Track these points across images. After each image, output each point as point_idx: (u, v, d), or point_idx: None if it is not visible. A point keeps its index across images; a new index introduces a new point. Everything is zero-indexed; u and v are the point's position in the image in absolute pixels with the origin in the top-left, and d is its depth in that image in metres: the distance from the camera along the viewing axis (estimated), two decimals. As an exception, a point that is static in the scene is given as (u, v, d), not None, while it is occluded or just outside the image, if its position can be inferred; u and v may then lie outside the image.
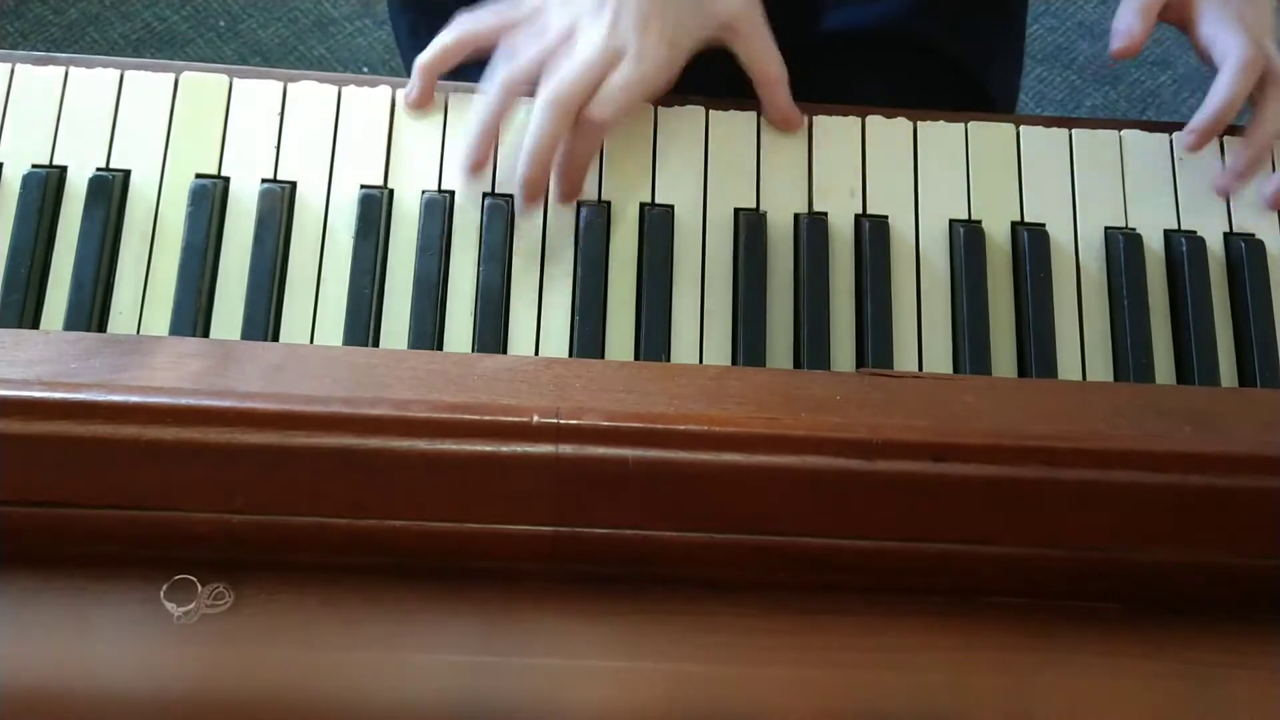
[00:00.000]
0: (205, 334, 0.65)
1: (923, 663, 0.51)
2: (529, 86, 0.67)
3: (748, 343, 0.66)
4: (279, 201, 0.67)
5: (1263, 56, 0.71)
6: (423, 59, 0.70)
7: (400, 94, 0.70)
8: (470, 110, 0.68)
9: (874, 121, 0.71)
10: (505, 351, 0.66)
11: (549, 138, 0.66)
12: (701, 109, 0.71)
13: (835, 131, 0.71)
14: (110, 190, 0.67)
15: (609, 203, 0.69)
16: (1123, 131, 0.72)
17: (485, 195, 0.69)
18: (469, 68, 0.82)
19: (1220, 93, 0.70)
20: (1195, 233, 0.70)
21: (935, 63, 0.86)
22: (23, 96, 0.69)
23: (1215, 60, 0.72)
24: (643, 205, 0.69)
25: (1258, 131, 0.71)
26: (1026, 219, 0.70)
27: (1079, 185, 0.71)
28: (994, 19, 0.91)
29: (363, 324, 0.65)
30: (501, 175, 0.69)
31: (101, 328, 0.65)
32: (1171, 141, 0.72)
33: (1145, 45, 0.74)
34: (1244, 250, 0.69)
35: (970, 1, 0.88)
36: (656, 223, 0.68)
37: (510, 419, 0.51)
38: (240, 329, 0.65)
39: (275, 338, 0.65)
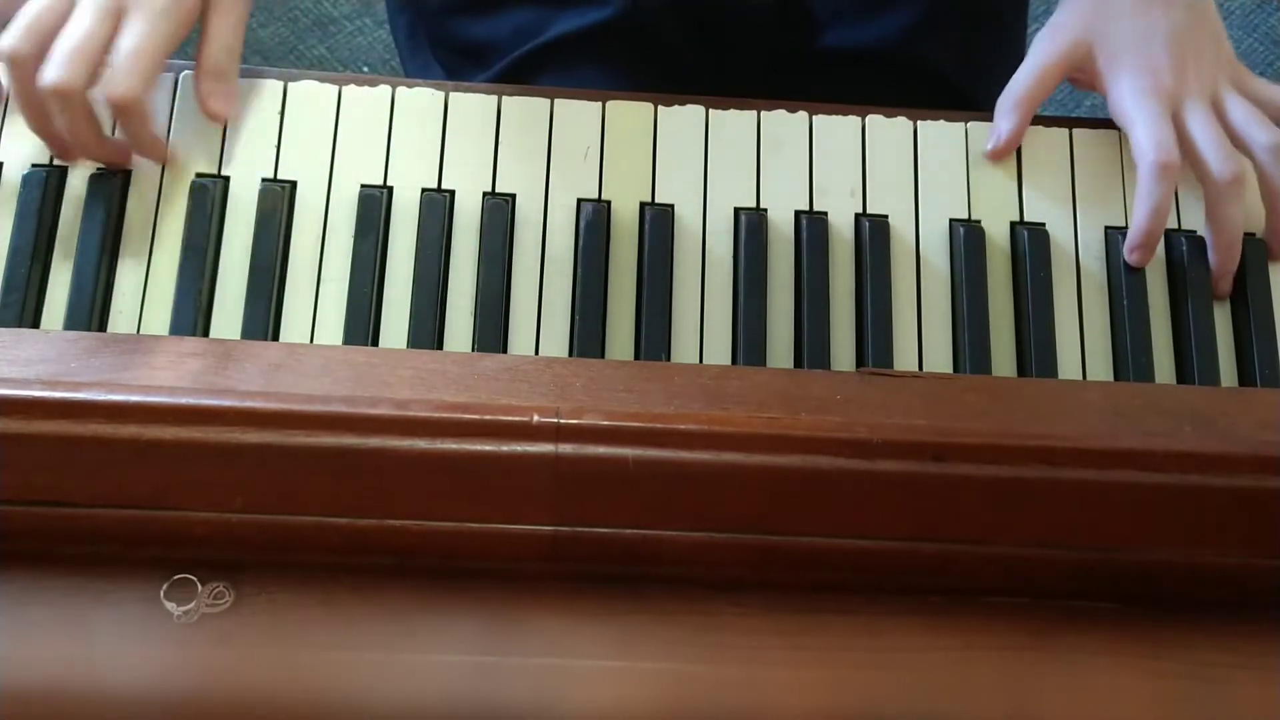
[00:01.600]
0: (205, 333, 0.65)
1: (923, 663, 0.51)
2: (33, 62, 0.64)
3: (748, 342, 0.66)
4: (279, 201, 0.67)
5: (1172, 154, 0.68)
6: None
7: (400, 93, 0.70)
8: None
9: (874, 121, 0.71)
10: (505, 351, 0.66)
11: (69, 126, 0.64)
12: (701, 109, 0.71)
13: (835, 131, 0.71)
14: (110, 189, 0.67)
15: (609, 203, 0.69)
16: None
17: (485, 195, 0.69)
18: (466, 67, 0.82)
19: (1143, 209, 0.68)
20: (1195, 232, 0.70)
21: (931, 82, 0.85)
22: (23, 96, 0.69)
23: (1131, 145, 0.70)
24: (643, 205, 0.69)
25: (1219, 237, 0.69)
26: (1026, 219, 0.70)
27: (1079, 185, 0.71)
28: (990, 36, 0.90)
29: (362, 323, 0.65)
30: (502, 168, 0.69)
31: (101, 327, 0.65)
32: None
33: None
34: (1244, 250, 0.69)
35: (966, 20, 0.88)
36: (656, 223, 0.68)
37: (510, 418, 0.51)
38: (240, 329, 0.65)
39: (275, 337, 0.65)
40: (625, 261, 0.68)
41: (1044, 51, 0.73)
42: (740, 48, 0.87)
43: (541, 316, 0.67)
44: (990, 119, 0.72)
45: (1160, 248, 0.70)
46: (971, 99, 0.86)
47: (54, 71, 0.64)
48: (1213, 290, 0.69)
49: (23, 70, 0.64)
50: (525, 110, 0.70)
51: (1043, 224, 0.70)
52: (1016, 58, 0.94)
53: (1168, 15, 0.71)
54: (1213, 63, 0.71)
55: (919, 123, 0.71)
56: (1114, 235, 0.70)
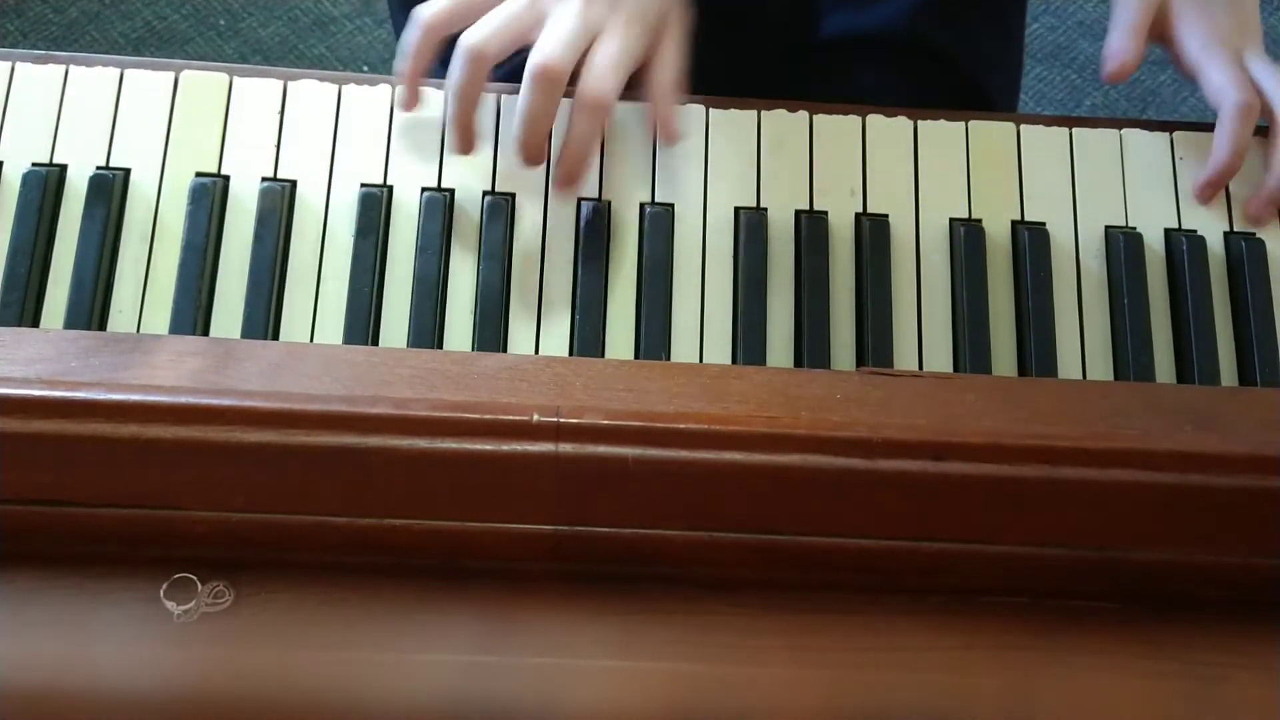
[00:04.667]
0: (205, 333, 0.65)
1: (923, 662, 0.51)
2: (494, 57, 0.66)
3: (748, 342, 0.66)
4: (279, 200, 0.67)
5: (1254, 95, 0.71)
6: (400, 68, 0.70)
7: (401, 92, 0.70)
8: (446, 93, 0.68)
9: (874, 121, 0.71)
10: (505, 350, 0.66)
11: (540, 105, 0.65)
12: (702, 109, 0.71)
13: (835, 131, 0.71)
14: (110, 189, 0.67)
15: (609, 202, 0.69)
16: (1123, 131, 0.72)
17: (485, 194, 0.69)
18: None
19: (1223, 149, 0.71)
20: (1196, 232, 0.70)
21: (935, 66, 0.86)
22: (22, 95, 0.69)
23: (1205, 93, 0.73)
24: (643, 205, 0.69)
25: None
26: (1026, 218, 0.70)
27: (1079, 185, 0.71)
28: (992, 22, 0.91)
29: (363, 322, 0.65)
30: (502, 168, 0.69)
31: (101, 326, 0.65)
32: (1172, 140, 0.72)
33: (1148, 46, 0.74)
34: (1244, 249, 0.69)
35: (968, 5, 0.88)
36: (656, 222, 0.68)
37: (510, 418, 0.51)
38: (240, 328, 0.65)
39: (275, 336, 0.65)
40: (625, 261, 0.68)
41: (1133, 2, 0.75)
42: (751, 40, 0.87)
43: (541, 316, 0.67)
44: (991, 116, 0.72)
45: (1160, 247, 0.70)
46: (974, 81, 0.87)
47: (545, 54, 0.65)
48: (1256, 215, 0.71)
49: (481, 66, 0.66)
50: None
51: (1043, 224, 0.70)
52: (1018, 39, 0.95)
53: None
54: (1256, 30, 0.76)
55: (919, 122, 0.71)
56: (1114, 234, 0.70)
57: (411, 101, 0.69)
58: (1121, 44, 0.74)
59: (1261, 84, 0.72)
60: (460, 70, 0.66)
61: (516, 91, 0.70)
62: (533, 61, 0.65)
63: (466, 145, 0.68)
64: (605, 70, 0.66)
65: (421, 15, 0.68)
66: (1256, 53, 0.74)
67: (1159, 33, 0.76)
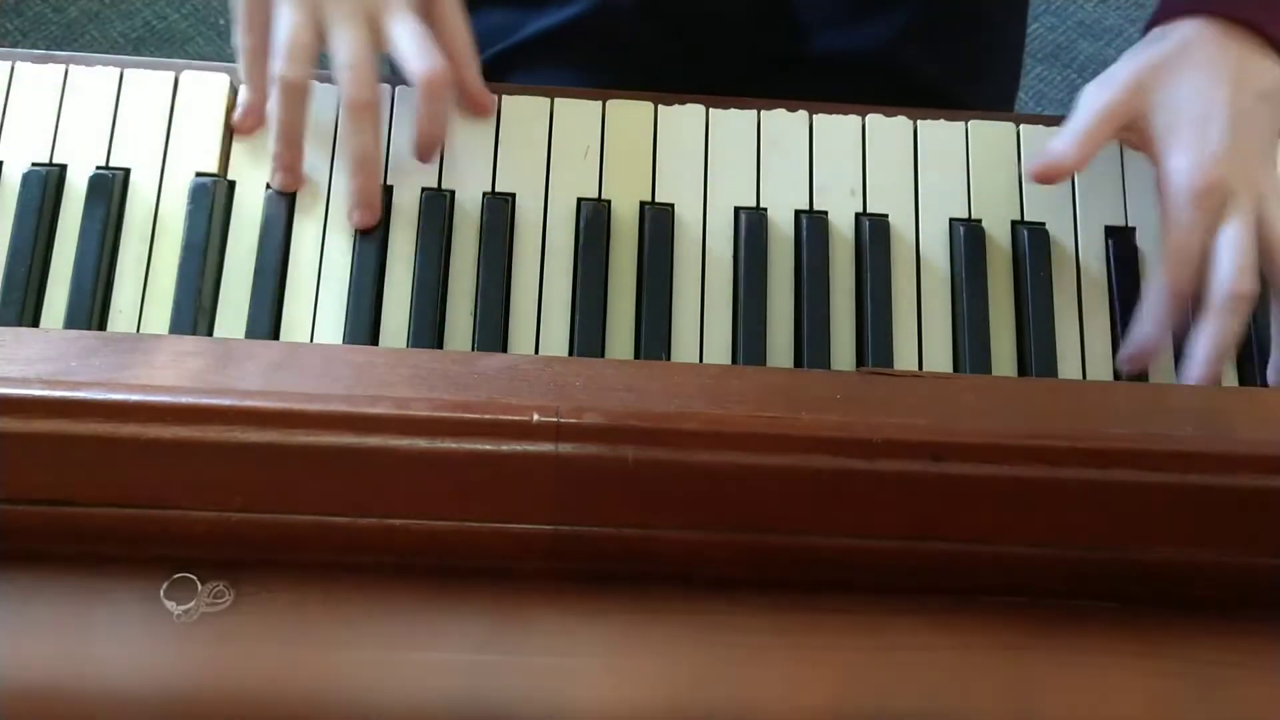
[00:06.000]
0: (205, 333, 0.65)
1: (922, 662, 0.51)
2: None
3: (748, 342, 0.66)
4: (281, 201, 0.67)
5: (1185, 271, 0.64)
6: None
7: (400, 92, 0.70)
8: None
9: (874, 121, 0.71)
10: (505, 350, 0.66)
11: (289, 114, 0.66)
12: (701, 109, 0.71)
13: (835, 131, 0.71)
14: (110, 189, 0.67)
15: (609, 202, 0.69)
16: (1123, 131, 0.72)
17: (485, 194, 0.69)
18: None
19: (1143, 320, 0.65)
20: (1195, 232, 0.70)
21: (919, 89, 0.85)
22: (22, 95, 0.69)
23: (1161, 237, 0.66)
24: (643, 205, 0.69)
25: None
26: (1026, 218, 0.70)
27: (1079, 184, 0.71)
28: (982, 40, 0.89)
29: (363, 322, 0.65)
30: (502, 168, 0.69)
31: (101, 326, 0.65)
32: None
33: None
34: (1244, 250, 0.69)
35: (956, 24, 0.87)
36: (656, 222, 0.68)
37: (510, 418, 0.51)
38: (240, 328, 0.65)
39: (275, 336, 0.65)
40: (625, 261, 0.68)
41: (1096, 103, 0.68)
42: (715, 51, 0.86)
43: (541, 316, 0.67)
44: (991, 116, 0.72)
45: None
46: (962, 105, 0.86)
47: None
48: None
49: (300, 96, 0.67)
50: (525, 110, 0.70)
51: (1043, 224, 0.70)
52: (1012, 62, 0.93)
53: (1236, 98, 0.66)
54: (1270, 165, 0.67)
55: (919, 122, 0.71)
56: (1114, 235, 0.70)
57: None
58: (1060, 147, 0.67)
59: (1220, 240, 0.64)
60: (281, 105, 0.66)
61: (519, 93, 0.71)
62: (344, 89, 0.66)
63: (294, 180, 0.68)
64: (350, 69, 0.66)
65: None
66: (1248, 199, 0.65)
67: (1138, 144, 0.69)
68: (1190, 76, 0.67)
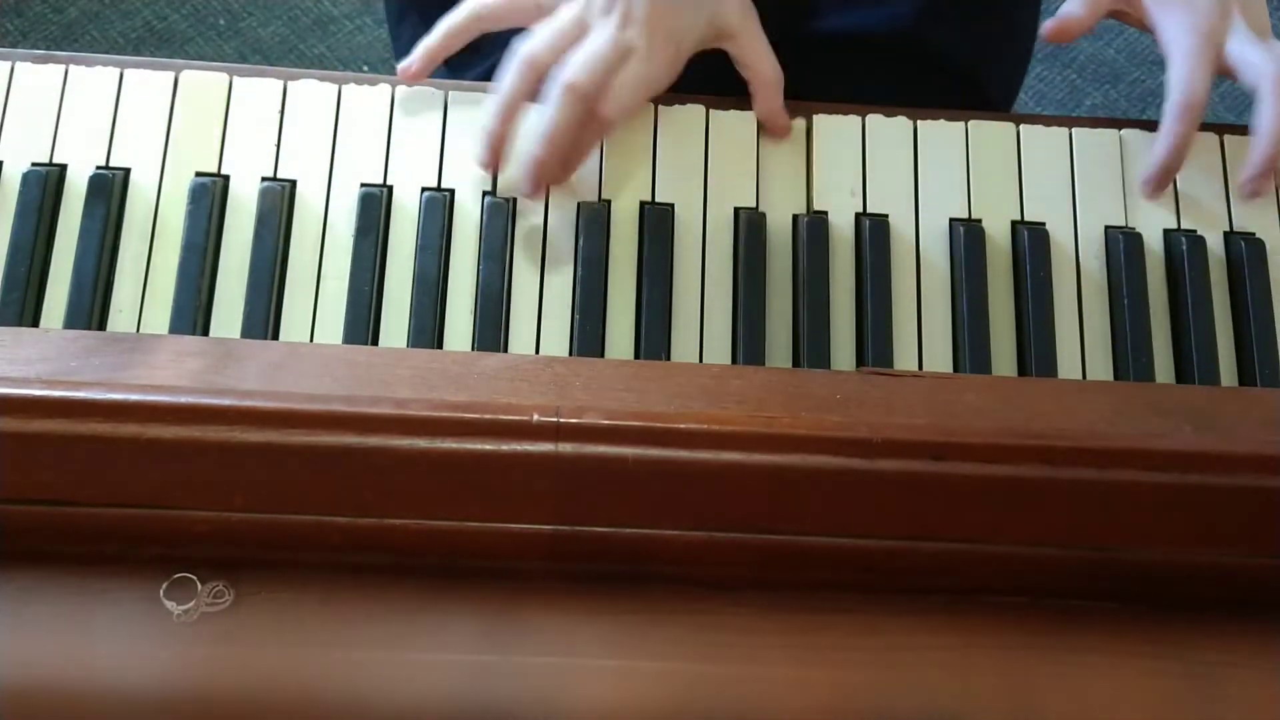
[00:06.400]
0: (205, 332, 0.65)
1: (923, 662, 0.51)
2: (546, 68, 0.67)
3: (748, 342, 0.66)
4: (279, 200, 0.67)
5: (1200, 93, 0.70)
6: (429, 40, 0.70)
7: (400, 92, 0.70)
8: (489, 97, 0.68)
9: (874, 121, 0.71)
10: (505, 350, 0.66)
11: (567, 121, 0.66)
12: (701, 109, 0.71)
13: (835, 131, 0.71)
14: (110, 188, 0.67)
15: (609, 202, 0.69)
16: (1123, 131, 0.72)
17: (485, 194, 0.69)
18: (464, 68, 0.82)
19: (1162, 145, 0.70)
20: (1195, 232, 0.70)
21: (936, 67, 0.85)
22: (23, 95, 0.69)
23: (1241, 78, 0.71)
24: (643, 205, 0.69)
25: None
26: (1026, 218, 0.70)
27: (1079, 185, 0.71)
28: (999, 23, 0.90)
29: (363, 322, 0.65)
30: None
31: (101, 326, 0.65)
32: (1172, 141, 0.72)
33: (1148, 45, 0.74)
34: (1244, 249, 0.69)
35: (976, 5, 0.88)
36: (656, 222, 0.68)
37: (510, 418, 0.51)
38: (240, 328, 0.65)
39: (275, 336, 0.65)
40: (625, 261, 0.68)
41: None
42: None
43: (541, 316, 0.67)
44: (991, 116, 0.72)
45: (1160, 248, 0.70)
46: (980, 86, 0.86)
47: (575, 74, 0.66)
48: (1247, 181, 0.70)
49: (535, 71, 0.67)
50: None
51: (1043, 224, 0.70)
52: (1026, 44, 0.93)
53: None
54: (1257, 15, 0.73)
55: (919, 122, 0.71)
56: (1114, 235, 0.70)
57: (420, 74, 0.71)
58: (1070, 8, 0.73)
59: (1238, 51, 0.71)
60: (513, 77, 0.67)
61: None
62: (567, 73, 0.66)
63: (494, 159, 0.69)
64: (624, 94, 0.67)
65: (475, 3, 0.70)
66: (1245, 32, 0.72)
67: (1136, 18, 0.74)
68: None
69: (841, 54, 0.85)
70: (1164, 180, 0.70)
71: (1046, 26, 0.73)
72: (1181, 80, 0.70)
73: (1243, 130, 0.72)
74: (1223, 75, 0.72)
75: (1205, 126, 0.72)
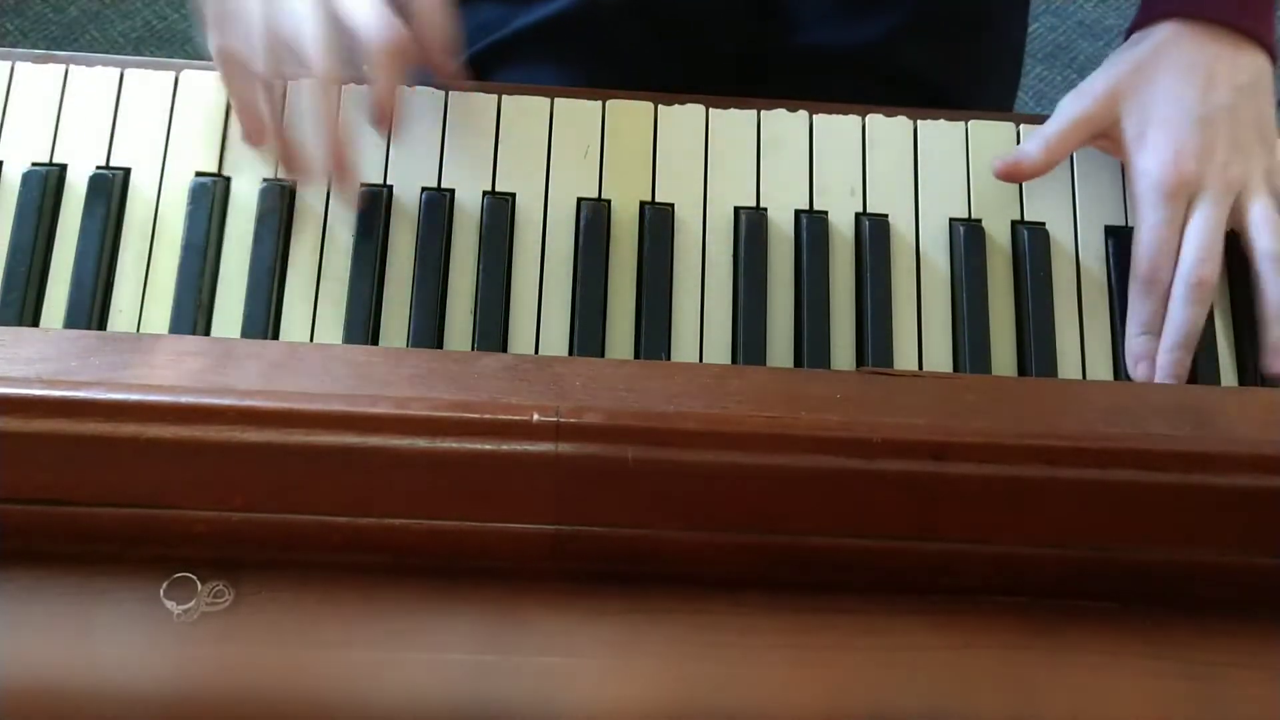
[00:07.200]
0: (205, 332, 0.65)
1: (922, 662, 0.51)
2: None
3: (748, 342, 0.66)
4: (279, 200, 0.67)
5: (1159, 267, 0.66)
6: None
7: (400, 92, 0.70)
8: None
9: (874, 121, 0.71)
10: (505, 350, 0.66)
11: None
12: (701, 108, 0.71)
13: (835, 131, 0.71)
14: (110, 188, 0.67)
15: (609, 202, 0.69)
16: (1123, 131, 0.72)
17: (485, 194, 0.69)
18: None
19: (1131, 318, 0.67)
20: (1195, 232, 0.70)
21: (915, 88, 0.84)
22: (23, 94, 0.69)
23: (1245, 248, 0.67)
24: (643, 204, 0.69)
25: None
26: (1026, 218, 0.70)
27: (1079, 184, 0.71)
28: (981, 38, 0.89)
29: (362, 322, 0.66)
30: (502, 168, 0.69)
31: (101, 326, 0.65)
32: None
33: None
34: (1244, 249, 0.69)
35: (955, 23, 0.87)
36: (656, 222, 0.68)
37: (510, 417, 0.51)
38: (240, 328, 0.65)
39: (275, 336, 0.65)
40: (625, 261, 0.68)
41: (1069, 111, 0.70)
42: (705, 44, 0.85)
43: (541, 316, 0.67)
44: (991, 116, 0.72)
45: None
46: (959, 105, 0.86)
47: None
48: (1266, 369, 0.67)
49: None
50: (525, 109, 0.70)
51: (1043, 224, 0.70)
52: (1013, 64, 0.92)
53: (1207, 95, 0.67)
54: (1249, 157, 0.68)
55: (919, 122, 0.71)
56: (1114, 235, 0.70)
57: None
58: (1028, 149, 0.68)
59: (1188, 230, 0.66)
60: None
61: (519, 92, 0.71)
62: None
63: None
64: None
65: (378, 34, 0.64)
66: (1222, 193, 0.66)
67: (1115, 150, 0.70)
68: (1162, 80, 0.68)
69: (816, 75, 0.84)
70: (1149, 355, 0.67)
71: (997, 165, 0.68)
72: (1139, 248, 0.67)
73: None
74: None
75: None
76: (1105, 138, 0.70)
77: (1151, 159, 0.67)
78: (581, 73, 0.80)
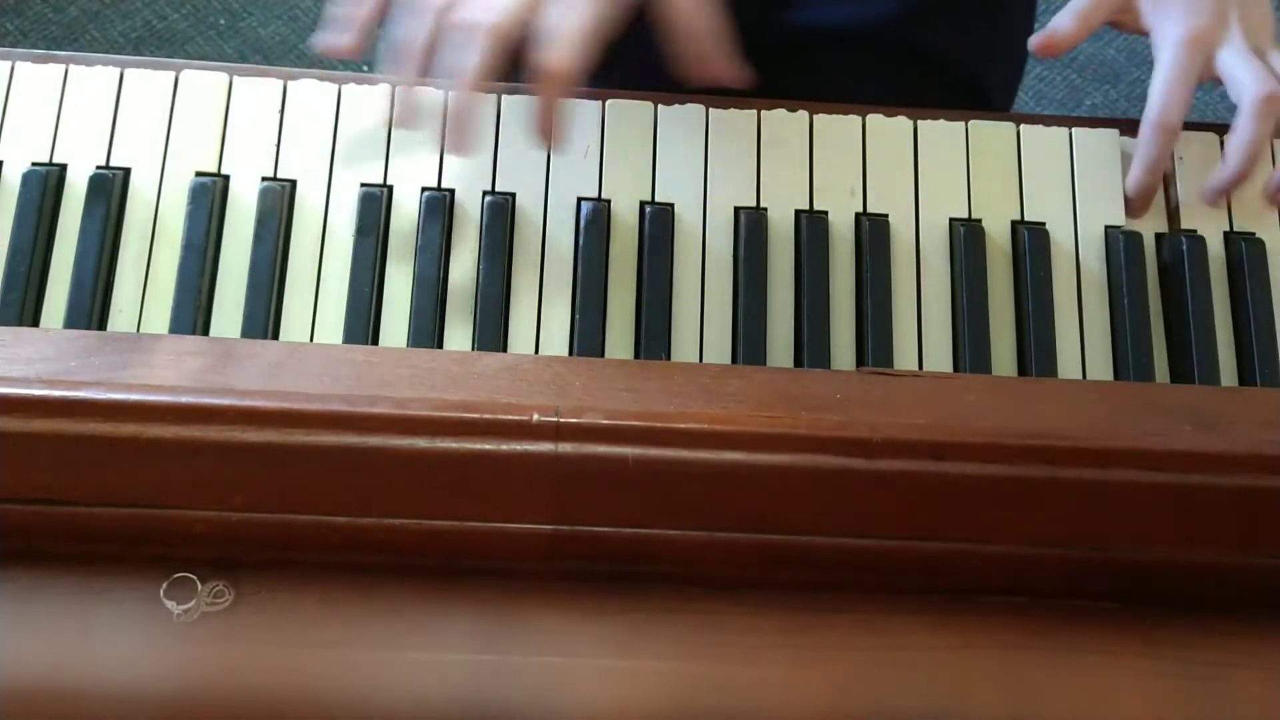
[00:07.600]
0: (205, 332, 0.65)
1: (922, 661, 0.51)
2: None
3: (748, 342, 0.66)
4: (279, 200, 0.67)
5: (1175, 116, 0.69)
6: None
7: (401, 91, 0.70)
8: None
9: (874, 121, 0.71)
10: (505, 350, 0.66)
11: (479, 65, 0.61)
12: (701, 108, 0.71)
13: (835, 131, 0.71)
14: (110, 188, 0.67)
15: (609, 202, 0.69)
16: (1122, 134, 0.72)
17: (485, 193, 0.69)
18: None
19: (1137, 165, 0.69)
20: (1195, 231, 0.70)
21: (927, 64, 0.85)
22: (23, 94, 0.69)
23: (1229, 91, 0.70)
24: (643, 204, 0.69)
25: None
26: (1026, 218, 0.70)
27: (1079, 185, 0.71)
28: (993, 18, 0.90)
29: (362, 322, 0.65)
30: (502, 168, 0.69)
31: (101, 326, 0.65)
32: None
33: (1148, 45, 0.73)
34: (1244, 249, 0.69)
35: (960, 2, 0.87)
36: (656, 222, 0.68)
37: (510, 417, 0.51)
38: (240, 327, 0.65)
39: (275, 336, 0.65)
40: (625, 261, 0.68)
41: None
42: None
43: (541, 316, 0.67)
44: (991, 116, 0.72)
45: (1160, 248, 0.70)
46: (972, 85, 0.86)
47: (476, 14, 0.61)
48: (1210, 192, 0.69)
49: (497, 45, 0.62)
50: (525, 109, 0.70)
51: (1043, 224, 0.70)
52: (1021, 43, 0.93)
53: None
54: (1257, 24, 0.72)
55: (919, 122, 0.71)
56: (1114, 235, 0.70)
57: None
58: (1060, 22, 0.72)
59: (1228, 64, 0.70)
60: (475, 52, 0.61)
61: (519, 92, 0.71)
62: (464, 11, 0.62)
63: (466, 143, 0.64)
64: (565, 37, 0.61)
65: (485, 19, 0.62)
66: (1242, 43, 0.71)
67: (1132, 24, 0.73)
68: None
69: (824, 49, 0.84)
70: (1144, 199, 0.70)
71: (1034, 40, 0.72)
72: (1157, 98, 0.70)
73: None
74: (1215, 83, 0.72)
75: (1206, 126, 0.73)
76: (1126, 12, 0.73)
77: (1169, 26, 0.70)
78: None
